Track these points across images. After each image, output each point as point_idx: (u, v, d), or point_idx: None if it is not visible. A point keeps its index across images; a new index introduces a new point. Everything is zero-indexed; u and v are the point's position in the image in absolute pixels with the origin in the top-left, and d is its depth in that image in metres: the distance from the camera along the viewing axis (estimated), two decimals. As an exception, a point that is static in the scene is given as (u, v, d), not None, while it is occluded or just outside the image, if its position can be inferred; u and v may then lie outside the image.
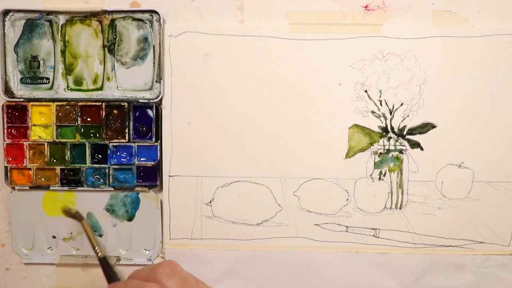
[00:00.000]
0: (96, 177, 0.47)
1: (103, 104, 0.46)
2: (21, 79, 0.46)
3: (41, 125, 0.47)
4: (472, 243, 0.48)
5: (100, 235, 0.48)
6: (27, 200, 0.48)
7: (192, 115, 0.47)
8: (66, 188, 0.47)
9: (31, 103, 0.46)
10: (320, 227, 0.48)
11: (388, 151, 0.47)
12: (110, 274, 0.43)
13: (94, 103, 0.46)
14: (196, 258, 0.48)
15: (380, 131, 0.47)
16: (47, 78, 0.47)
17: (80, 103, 0.46)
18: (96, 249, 0.45)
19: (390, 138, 0.47)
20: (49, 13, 0.46)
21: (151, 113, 0.47)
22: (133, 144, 0.47)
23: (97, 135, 0.47)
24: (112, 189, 0.48)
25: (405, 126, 0.47)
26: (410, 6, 0.45)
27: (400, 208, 0.48)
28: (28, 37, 0.46)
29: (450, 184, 0.47)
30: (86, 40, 0.46)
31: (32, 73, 0.46)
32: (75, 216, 0.47)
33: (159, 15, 0.45)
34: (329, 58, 0.46)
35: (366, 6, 0.45)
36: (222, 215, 0.48)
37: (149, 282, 0.35)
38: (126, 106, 0.46)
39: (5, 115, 0.46)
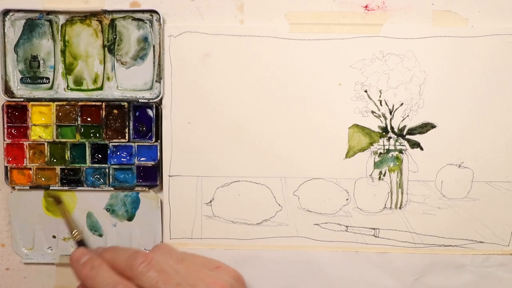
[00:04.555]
0: (96, 177, 0.47)
1: (103, 104, 0.46)
2: (21, 79, 0.46)
3: (41, 125, 0.47)
4: (472, 243, 0.48)
5: (100, 235, 0.48)
6: (27, 200, 0.48)
7: (192, 115, 0.47)
8: (66, 188, 0.47)
9: (31, 103, 0.46)
10: (320, 227, 0.48)
11: (388, 151, 0.47)
12: None
13: (94, 103, 0.46)
14: (196, 258, 0.48)
15: (380, 131, 0.47)
16: (47, 78, 0.47)
17: (80, 103, 0.46)
18: (74, 232, 0.45)
19: (390, 138, 0.47)
20: (49, 13, 0.46)
21: (151, 113, 0.47)
22: (133, 144, 0.47)
23: (97, 135, 0.47)
24: (112, 189, 0.48)
25: (405, 126, 0.47)
26: (410, 6, 0.45)
27: (400, 208, 0.48)
28: (28, 37, 0.46)
29: (450, 184, 0.47)
30: (86, 40, 0.46)
31: (32, 73, 0.46)
32: (57, 199, 0.47)
33: (159, 15, 0.45)
34: (329, 58, 0.46)
35: (366, 6, 0.45)
36: (222, 215, 0.48)
37: (121, 281, 0.34)
38: (126, 106, 0.46)
39: (5, 115, 0.46)
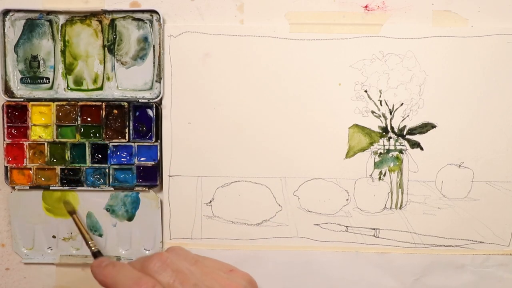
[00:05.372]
0: (96, 177, 0.47)
1: (103, 104, 0.46)
2: (21, 79, 0.46)
3: (41, 125, 0.47)
4: (472, 243, 0.48)
5: (100, 235, 0.48)
6: (27, 200, 0.48)
7: (192, 115, 0.47)
8: (66, 188, 0.47)
9: (31, 103, 0.46)
10: (320, 227, 0.48)
11: (388, 151, 0.47)
12: None
13: (94, 103, 0.46)
14: (196, 258, 0.48)
15: (380, 131, 0.47)
16: (47, 78, 0.47)
17: (80, 103, 0.46)
18: (89, 243, 0.44)
19: (390, 138, 0.47)
20: (49, 13, 0.46)
21: (151, 113, 0.47)
22: (133, 144, 0.47)
23: (97, 135, 0.47)
24: (112, 189, 0.48)
25: (405, 126, 0.47)
26: (410, 6, 0.45)
27: (400, 208, 0.48)
28: (28, 37, 0.46)
29: (450, 184, 0.47)
30: (86, 40, 0.46)
31: (32, 73, 0.46)
32: (71, 210, 0.47)
33: (159, 15, 0.45)
34: (329, 58, 0.46)
35: (366, 6, 0.45)
36: (222, 215, 0.48)
37: (144, 275, 0.34)
38: (126, 106, 0.46)
39: (5, 115, 0.46)
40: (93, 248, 0.44)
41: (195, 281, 0.34)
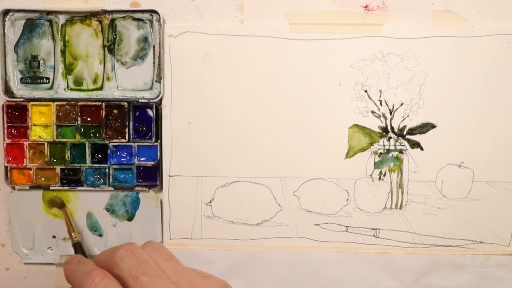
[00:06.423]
0: (96, 177, 0.47)
1: (103, 104, 0.46)
2: (21, 79, 0.46)
3: (41, 125, 0.47)
4: (472, 243, 0.48)
5: (100, 235, 0.48)
6: (27, 200, 0.48)
7: (192, 115, 0.47)
8: (66, 188, 0.47)
9: (31, 103, 0.46)
10: (320, 227, 0.48)
11: (388, 151, 0.47)
12: None
13: (94, 103, 0.46)
14: (196, 258, 0.48)
15: (380, 131, 0.47)
16: (47, 78, 0.47)
17: (80, 103, 0.46)
18: (72, 234, 0.46)
19: (390, 138, 0.47)
20: (49, 13, 0.46)
21: (151, 113, 0.47)
22: (133, 144, 0.47)
23: (97, 135, 0.47)
24: (112, 189, 0.48)
25: (405, 126, 0.47)
26: (410, 6, 0.45)
27: (400, 208, 0.48)
28: (28, 37, 0.46)
29: (450, 184, 0.47)
30: (86, 40, 0.46)
31: (32, 73, 0.46)
32: (59, 204, 0.48)
33: (159, 15, 0.45)
34: (329, 58, 0.46)
35: (366, 6, 0.45)
36: (222, 215, 0.48)
37: (102, 267, 0.34)
38: (126, 106, 0.46)
39: (5, 115, 0.46)
40: (74, 240, 0.45)
41: (159, 274, 0.34)
